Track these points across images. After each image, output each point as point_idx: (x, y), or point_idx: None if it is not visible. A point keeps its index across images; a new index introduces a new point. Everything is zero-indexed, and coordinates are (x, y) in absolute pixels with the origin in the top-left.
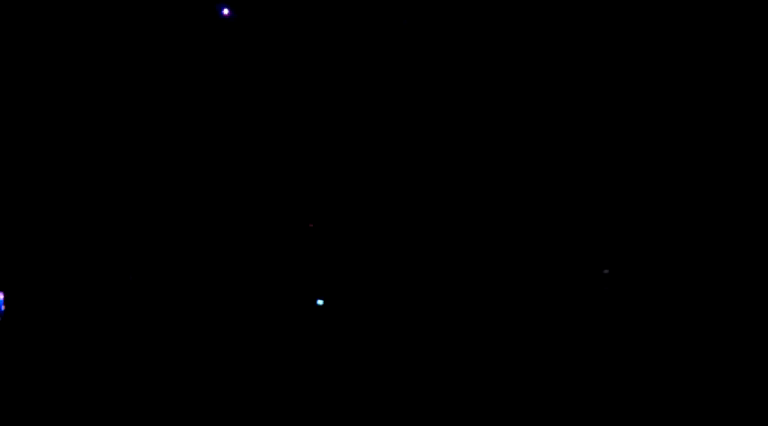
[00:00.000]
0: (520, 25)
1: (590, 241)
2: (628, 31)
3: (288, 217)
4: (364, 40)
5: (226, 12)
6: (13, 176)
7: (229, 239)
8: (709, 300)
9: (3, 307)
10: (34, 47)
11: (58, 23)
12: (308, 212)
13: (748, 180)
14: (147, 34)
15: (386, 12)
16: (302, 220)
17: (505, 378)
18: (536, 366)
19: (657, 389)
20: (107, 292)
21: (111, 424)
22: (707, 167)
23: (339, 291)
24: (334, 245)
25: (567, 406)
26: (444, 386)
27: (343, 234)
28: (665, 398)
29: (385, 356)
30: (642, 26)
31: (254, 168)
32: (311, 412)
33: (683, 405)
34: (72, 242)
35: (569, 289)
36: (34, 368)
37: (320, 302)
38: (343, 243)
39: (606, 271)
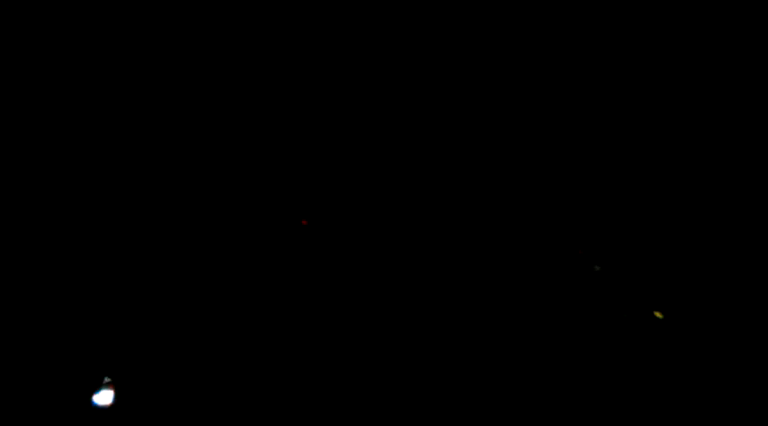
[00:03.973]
0: (520, 25)
1: (588, 240)
2: (628, 31)
3: (281, 213)
4: (364, 40)
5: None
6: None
7: (223, 236)
8: (709, 300)
9: None
10: (34, 46)
11: (58, 23)
12: (302, 209)
13: (748, 180)
14: (147, 34)
15: (386, 12)
16: (296, 217)
17: (505, 378)
18: (535, 365)
19: (657, 389)
20: (107, 284)
21: (112, 423)
22: (707, 167)
23: (335, 291)
24: (329, 243)
25: (566, 406)
26: (444, 385)
27: (338, 232)
28: (664, 398)
29: (385, 356)
30: (642, 26)
31: (249, 165)
32: (311, 413)
33: (682, 405)
34: (74, 237)
35: (565, 287)
36: (34, 366)
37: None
38: (339, 241)
39: (597, 268)
